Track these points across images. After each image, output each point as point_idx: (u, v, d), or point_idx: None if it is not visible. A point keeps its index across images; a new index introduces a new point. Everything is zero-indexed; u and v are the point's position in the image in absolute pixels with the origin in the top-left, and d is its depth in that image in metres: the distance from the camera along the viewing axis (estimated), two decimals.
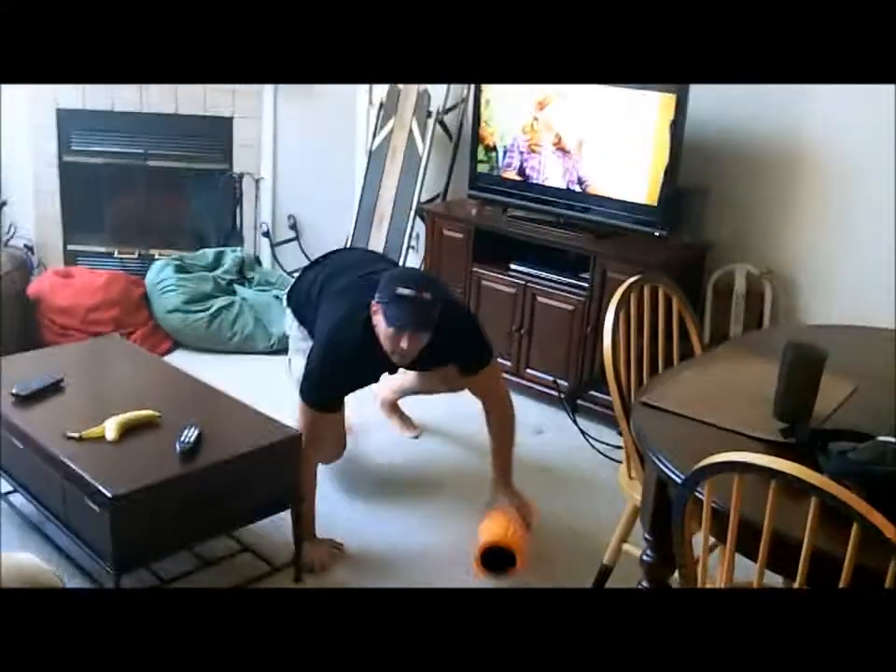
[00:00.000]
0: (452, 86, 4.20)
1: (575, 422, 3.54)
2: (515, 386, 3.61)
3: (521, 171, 3.72)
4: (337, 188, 4.59)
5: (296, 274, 3.05)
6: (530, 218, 3.73)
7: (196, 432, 2.35)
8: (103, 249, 4.63)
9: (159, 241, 4.63)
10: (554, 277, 3.59)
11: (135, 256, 4.62)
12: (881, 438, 1.65)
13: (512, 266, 3.71)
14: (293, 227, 4.67)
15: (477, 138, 3.82)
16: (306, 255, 4.48)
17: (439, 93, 4.18)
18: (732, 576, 1.57)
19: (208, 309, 4.08)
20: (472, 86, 3.89)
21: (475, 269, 3.79)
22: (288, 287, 2.96)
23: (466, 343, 2.71)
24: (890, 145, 3.08)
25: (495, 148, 3.78)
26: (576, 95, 3.49)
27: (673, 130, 3.25)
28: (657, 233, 3.37)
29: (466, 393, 2.86)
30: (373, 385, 3.01)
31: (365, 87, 4.48)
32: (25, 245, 4.46)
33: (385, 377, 2.87)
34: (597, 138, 3.49)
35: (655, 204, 3.36)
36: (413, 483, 3.13)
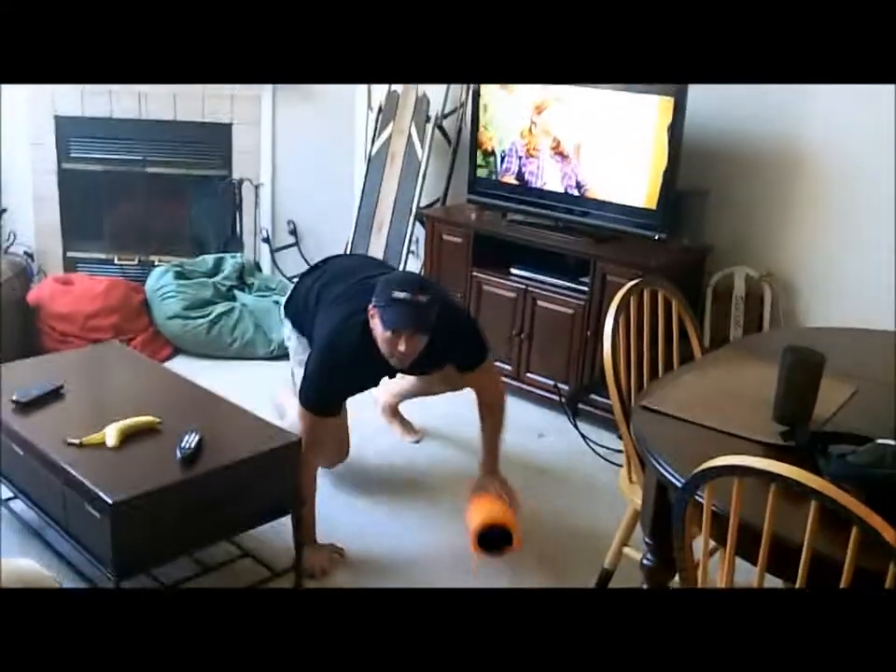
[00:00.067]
0: (450, 91, 4.20)
1: (575, 426, 3.54)
2: (516, 390, 3.61)
3: (519, 175, 3.72)
4: (336, 193, 4.59)
5: (295, 280, 3.05)
6: (529, 223, 3.74)
7: (196, 438, 2.34)
8: (102, 256, 4.64)
9: (158, 247, 4.64)
10: (554, 281, 3.59)
11: (135, 262, 4.63)
12: (881, 441, 1.65)
13: (512, 270, 3.71)
14: (293, 232, 4.68)
15: (476, 143, 3.82)
16: (306, 260, 4.48)
17: (437, 98, 4.18)
18: (732, 579, 1.56)
19: (208, 315, 4.09)
20: (471, 91, 3.89)
21: (475, 273, 3.79)
22: (285, 298, 2.96)
23: (463, 344, 2.71)
24: (890, 145, 3.08)
25: (493, 153, 3.78)
26: (573, 99, 3.50)
27: (671, 133, 3.25)
28: (656, 236, 3.37)
29: (466, 397, 2.86)
30: (373, 390, 3.01)
31: (363, 91, 4.48)
32: (25, 252, 4.47)
33: (384, 381, 2.86)
34: (595, 142, 3.49)
35: (654, 208, 3.36)
36: (413, 488, 3.13)
